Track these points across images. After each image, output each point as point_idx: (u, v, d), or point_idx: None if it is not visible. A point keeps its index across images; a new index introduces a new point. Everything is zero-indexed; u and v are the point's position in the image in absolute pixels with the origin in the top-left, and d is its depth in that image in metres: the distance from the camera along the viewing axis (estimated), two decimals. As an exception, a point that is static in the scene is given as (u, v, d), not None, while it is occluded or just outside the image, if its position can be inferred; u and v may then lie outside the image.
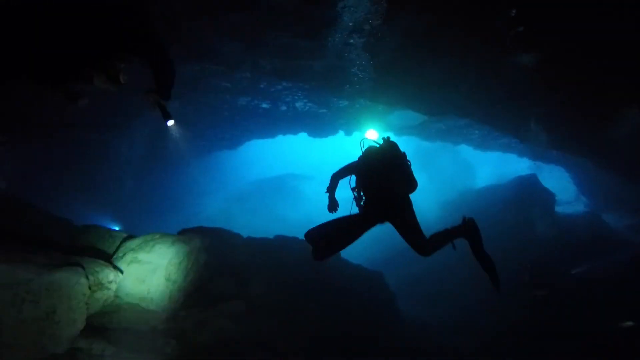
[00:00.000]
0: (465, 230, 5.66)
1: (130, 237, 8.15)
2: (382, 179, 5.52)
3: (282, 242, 11.73)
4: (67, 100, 3.22)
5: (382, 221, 5.57)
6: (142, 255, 7.45)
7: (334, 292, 10.72)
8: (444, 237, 5.59)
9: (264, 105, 20.81)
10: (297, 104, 20.63)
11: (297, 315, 9.11)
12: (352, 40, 13.77)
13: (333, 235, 5.48)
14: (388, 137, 5.90)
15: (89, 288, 6.00)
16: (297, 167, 33.82)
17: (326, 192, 6.07)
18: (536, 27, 12.16)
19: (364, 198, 5.68)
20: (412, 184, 5.77)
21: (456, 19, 12.00)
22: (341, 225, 5.49)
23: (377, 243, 22.86)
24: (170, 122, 3.74)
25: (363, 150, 5.88)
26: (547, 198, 21.69)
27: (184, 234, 9.08)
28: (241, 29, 13.17)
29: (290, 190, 31.17)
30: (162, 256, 7.51)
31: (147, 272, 7.37)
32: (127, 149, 19.74)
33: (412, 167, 6.02)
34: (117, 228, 20.18)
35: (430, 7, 11.59)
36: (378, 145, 5.80)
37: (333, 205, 6.08)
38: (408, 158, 5.84)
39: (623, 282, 14.40)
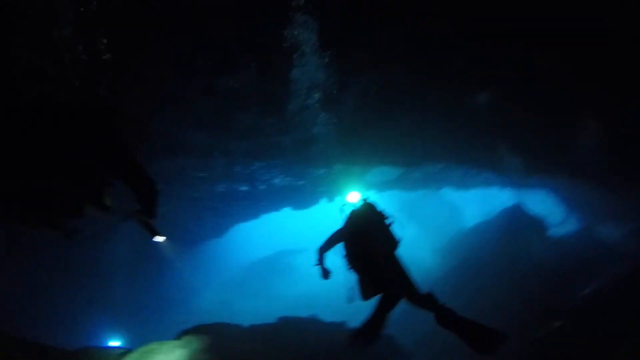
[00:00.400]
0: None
1: (126, 352, 7.78)
2: (369, 244, 5.58)
3: (285, 325, 11.34)
4: (64, 237, 3.18)
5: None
6: (142, 369, 7.10)
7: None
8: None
9: (243, 188, 20.80)
10: (275, 181, 20.69)
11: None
12: (313, 112, 14.09)
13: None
14: (365, 199, 6.12)
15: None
16: (287, 243, 33.59)
17: (317, 265, 6.17)
18: (483, 68, 12.69)
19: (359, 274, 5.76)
20: (394, 242, 5.90)
21: (409, 72, 12.43)
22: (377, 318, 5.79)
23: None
24: (159, 239, 3.76)
25: (345, 215, 6.06)
26: (536, 224, 21.68)
27: (183, 337, 8.72)
28: (205, 116, 13.39)
29: (284, 267, 30.77)
30: (163, 366, 7.17)
31: (148, 386, 6.99)
32: (112, 253, 19.31)
33: (399, 219, 6.29)
34: (116, 340, 19.43)
35: (381, 65, 11.98)
36: (359, 208, 5.88)
37: (325, 274, 6.21)
38: (388, 214, 6.08)
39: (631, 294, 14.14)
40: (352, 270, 5.93)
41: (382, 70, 12.29)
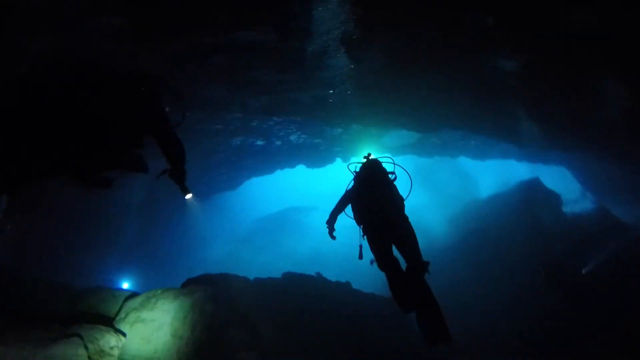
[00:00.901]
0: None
1: (133, 295, 7.85)
2: (376, 203, 5.51)
3: (290, 280, 11.37)
4: (101, 187, 3.38)
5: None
6: (145, 314, 7.13)
7: (350, 325, 10.30)
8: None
9: (259, 143, 20.70)
10: (292, 137, 20.51)
11: (316, 355, 8.70)
12: (334, 68, 13.71)
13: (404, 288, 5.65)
14: (369, 154, 6.10)
15: (89, 358, 5.66)
16: (299, 200, 33.61)
17: (326, 225, 6.18)
18: (506, 30, 12.11)
19: (365, 229, 5.76)
20: (400, 201, 5.82)
21: (431, 32, 11.90)
22: (397, 276, 5.66)
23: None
24: (188, 196, 4.00)
25: (353, 173, 6.08)
26: (552, 199, 21.29)
27: (188, 285, 8.77)
28: (224, 71, 13.09)
29: (294, 224, 30.82)
30: (165, 312, 7.20)
31: (152, 331, 7.04)
32: (126, 198, 19.48)
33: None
34: (126, 283, 19.87)
35: (403, 21, 11.46)
36: (364, 165, 5.95)
37: (331, 234, 6.22)
38: (391, 171, 6.02)
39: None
40: (362, 228, 5.83)
41: (407, 27, 11.74)
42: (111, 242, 19.48)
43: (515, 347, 12.01)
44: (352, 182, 6.15)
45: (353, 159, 21.99)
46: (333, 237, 6.15)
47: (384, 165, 6.01)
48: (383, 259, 5.64)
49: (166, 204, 21.71)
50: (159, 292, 7.56)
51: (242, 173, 23.26)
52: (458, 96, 15.61)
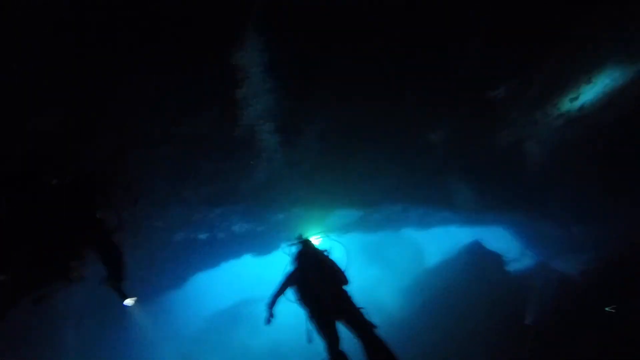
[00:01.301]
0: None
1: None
2: (318, 281, 5.51)
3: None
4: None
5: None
6: None
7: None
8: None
9: (201, 236, 20.09)
10: (234, 228, 20.10)
11: None
12: (270, 155, 13.88)
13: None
14: (300, 235, 6.36)
15: None
16: (249, 292, 32.23)
17: (267, 306, 6.32)
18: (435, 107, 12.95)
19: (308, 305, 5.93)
20: (342, 276, 5.87)
21: (368, 112, 12.45)
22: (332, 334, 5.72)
23: (347, 349, 21.72)
24: (128, 301, 3.82)
25: (291, 256, 6.26)
26: (495, 259, 21.79)
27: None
28: (165, 163, 12.91)
29: (247, 317, 29.25)
30: None
31: None
32: (63, 308, 17.91)
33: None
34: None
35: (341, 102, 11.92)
36: (300, 247, 6.20)
37: (269, 317, 6.36)
38: (325, 248, 6.24)
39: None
40: (304, 307, 6.00)
41: (341, 109, 12.24)
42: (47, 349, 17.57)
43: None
44: (290, 264, 6.22)
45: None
46: (269, 321, 6.23)
47: (315, 244, 6.20)
48: (332, 341, 5.48)
49: (110, 309, 20.23)
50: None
51: (187, 269, 22.31)
52: (394, 171, 16.13)
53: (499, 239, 27.41)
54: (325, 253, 6.25)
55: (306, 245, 6.16)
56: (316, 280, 5.84)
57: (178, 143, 11.94)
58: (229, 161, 13.91)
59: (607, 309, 13.44)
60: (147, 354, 24.25)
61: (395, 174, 16.42)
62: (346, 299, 5.80)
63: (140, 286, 20.85)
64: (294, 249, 6.21)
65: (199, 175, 14.15)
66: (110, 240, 3.64)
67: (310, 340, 5.80)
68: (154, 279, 21.54)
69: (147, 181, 13.62)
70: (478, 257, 21.46)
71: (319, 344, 6.12)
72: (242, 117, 11.55)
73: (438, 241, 32.59)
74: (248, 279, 35.09)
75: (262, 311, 6.30)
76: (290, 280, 6.12)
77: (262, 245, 21.74)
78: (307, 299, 5.94)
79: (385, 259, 30.57)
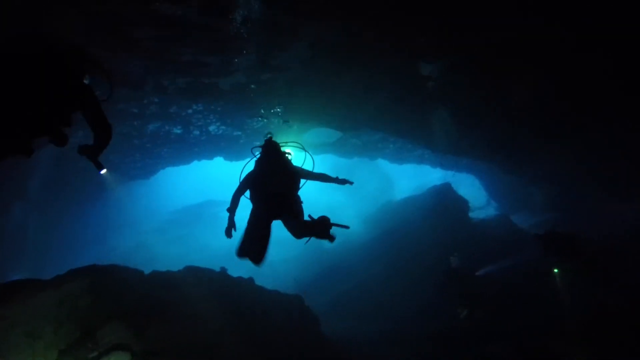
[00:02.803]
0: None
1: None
2: (274, 183, 5.31)
3: (191, 274, 10.05)
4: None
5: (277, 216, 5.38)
6: (-2, 309, 5.66)
7: (251, 324, 9.25)
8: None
9: (176, 131, 19.10)
10: (211, 128, 19.13)
11: (207, 354, 7.53)
12: (256, 55, 12.71)
13: (257, 242, 5.28)
14: (269, 136, 5.66)
15: None
16: (216, 194, 31.60)
17: (227, 211, 5.73)
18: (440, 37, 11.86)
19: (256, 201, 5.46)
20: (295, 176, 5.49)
21: (366, 25, 11.32)
22: (257, 233, 5.28)
23: (304, 262, 21.74)
24: (103, 171, 3.87)
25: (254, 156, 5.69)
26: (461, 205, 21.55)
27: (67, 276, 7.31)
28: (143, 46, 11.74)
29: (210, 218, 28.93)
30: (23, 308, 5.77)
31: (2, 329, 5.59)
32: (20, 182, 17.06)
33: (330, 185, 6.17)
34: (20, 275, 17.45)
35: (337, 15, 10.78)
36: (264, 149, 5.52)
37: (230, 228, 5.67)
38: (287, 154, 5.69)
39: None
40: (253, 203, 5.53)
41: (336, 22, 11.05)
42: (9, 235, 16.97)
43: (420, 349, 11.57)
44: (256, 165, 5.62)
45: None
46: (229, 233, 5.62)
47: (281, 145, 5.62)
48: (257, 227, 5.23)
49: (73, 189, 19.47)
50: (20, 283, 6.11)
51: (158, 162, 21.47)
52: (381, 97, 15.27)
53: (468, 186, 27.27)
54: (289, 156, 5.65)
55: (271, 145, 5.51)
56: (271, 179, 5.31)
57: (161, 26, 10.73)
58: (211, 55, 12.73)
59: (555, 270, 13.29)
60: (106, 238, 23.93)
61: (380, 101, 15.49)
62: (295, 202, 5.34)
63: (110, 171, 20.14)
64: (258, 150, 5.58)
65: (178, 63, 13.02)
66: (100, 108, 3.55)
67: (241, 254, 5.21)
68: (123, 166, 20.75)
69: (123, 64, 12.50)
70: (446, 199, 21.12)
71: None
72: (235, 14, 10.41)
73: (409, 177, 32.36)
74: (217, 181, 34.40)
75: (225, 214, 5.66)
76: (248, 179, 5.49)
77: (236, 149, 20.90)
78: (257, 196, 5.43)
79: (355, 185, 30.13)
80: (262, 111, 16.85)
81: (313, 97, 15.22)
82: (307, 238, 5.29)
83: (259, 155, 5.61)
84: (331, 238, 5.14)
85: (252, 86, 14.67)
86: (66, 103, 3.35)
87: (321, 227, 5.08)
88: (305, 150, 6.05)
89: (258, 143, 5.81)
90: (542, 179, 19.85)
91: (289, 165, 5.51)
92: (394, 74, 14.13)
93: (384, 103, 15.38)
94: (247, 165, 5.86)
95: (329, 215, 5.16)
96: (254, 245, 5.24)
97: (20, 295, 5.80)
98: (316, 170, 5.97)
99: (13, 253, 17.41)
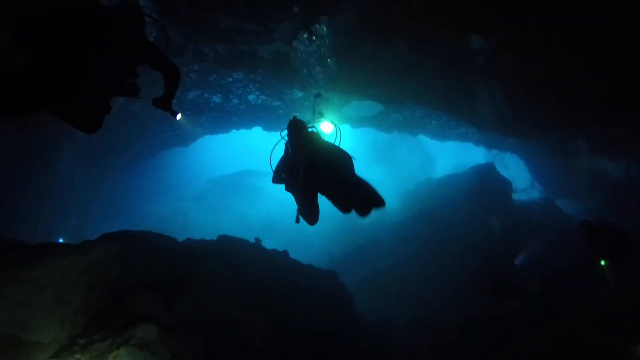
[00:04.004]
0: None
1: (18, 246, 6.13)
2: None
3: (225, 244, 9.81)
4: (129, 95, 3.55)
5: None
6: (24, 272, 5.48)
7: (284, 299, 8.94)
8: None
9: (215, 99, 18.84)
10: (250, 97, 18.74)
11: (236, 332, 7.27)
12: (298, 22, 12.09)
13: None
14: (294, 117, 5.27)
15: None
16: (254, 164, 31.38)
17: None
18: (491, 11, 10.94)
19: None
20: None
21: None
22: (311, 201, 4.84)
23: (336, 240, 21.35)
24: (179, 117, 4.02)
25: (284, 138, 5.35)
26: (503, 186, 20.53)
27: (100, 241, 7.15)
28: (183, 11, 11.37)
29: (248, 188, 28.79)
30: (51, 271, 5.58)
31: (30, 293, 5.43)
32: (66, 152, 17.27)
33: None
34: (61, 240, 17.85)
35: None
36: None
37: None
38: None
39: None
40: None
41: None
42: (47, 187, 17.26)
43: (449, 337, 11.03)
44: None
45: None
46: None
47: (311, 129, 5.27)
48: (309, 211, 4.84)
49: (114, 155, 19.64)
50: (49, 245, 5.93)
51: (196, 129, 21.38)
52: (428, 71, 14.47)
53: (512, 167, 26.05)
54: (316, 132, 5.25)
55: (296, 124, 5.15)
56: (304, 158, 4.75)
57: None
58: (252, 22, 12.24)
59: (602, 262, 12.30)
60: (144, 203, 24.21)
61: (427, 74, 14.64)
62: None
63: (149, 139, 20.19)
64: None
65: (217, 30, 12.61)
66: (163, 55, 3.63)
67: (298, 220, 5.02)
68: (162, 133, 20.76)
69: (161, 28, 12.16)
70: (488, 179, 20.11)
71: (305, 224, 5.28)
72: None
73: (451, 155, 31.18)
74: (255, 151, 34.45)
75: (263, 184, 5.24)
76: (282, 165, 5.29)
77: (275, 120, 20.49)
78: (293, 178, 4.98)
79: (394, 161, 29.35)
80: (300, 75, 16.15)
81: (356, 69, 14.52)
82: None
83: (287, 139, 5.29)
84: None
85: (293, 55, 14.11)
86: (135, 58, 3.46)
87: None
88: (334, 124, 5.77)
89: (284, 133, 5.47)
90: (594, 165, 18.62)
91: (320, 142, 5.05)
92: (442, 47, 13.29)
93: (431, 77, 14.53)
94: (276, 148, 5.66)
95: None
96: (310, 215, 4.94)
97: (48, 259, 5.60)
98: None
99: (59, 208, 17.74)
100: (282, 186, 5.35)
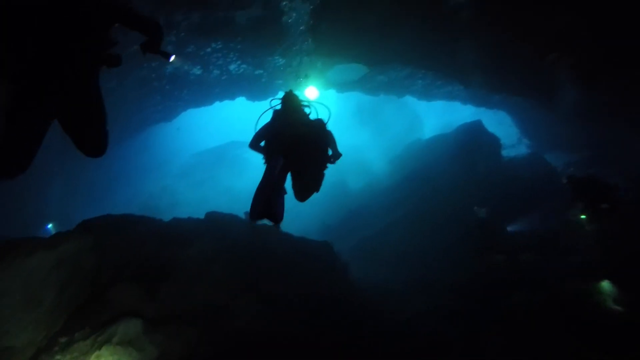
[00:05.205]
0: None
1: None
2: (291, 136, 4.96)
3: (213, 223, 9.22)
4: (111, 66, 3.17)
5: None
6: (-15, 276, 4.87)
7: (276, 276, 8.44)
8: None
9: (195, 71, 17.88)
10: (231, 67, 17.79)
11: (228, 317, 6.76)
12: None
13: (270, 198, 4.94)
14: (290, 90, 5.22)
15: None
16: (239, 135, 30.58)
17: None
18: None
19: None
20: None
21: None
22: (270, 189, 4.93)
23: (327, 208, 20.84)
24: (172, 58, 3.72)
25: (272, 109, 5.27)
26: (492, 143, 20.01)
27: (71, 233, 6.52)
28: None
29: (234, 159, 27.92)
30: (14, 273, 4.97)
31: (-5, 297, 4.85)
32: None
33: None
34: (50, 226, 17.17)
35: None
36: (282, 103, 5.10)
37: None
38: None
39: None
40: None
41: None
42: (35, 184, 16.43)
43: (442, 298, 10.73)
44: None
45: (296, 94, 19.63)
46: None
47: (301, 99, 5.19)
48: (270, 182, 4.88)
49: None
50: (12, 243, 5.31)
51: (178, 104, 20.42)
52: (410, 29, 13.65)
53: (498, 124, 25.49)
54: (307, 110, 5.19)
55: (290, 98, 5.11)
56: (288, 131, 4.99)
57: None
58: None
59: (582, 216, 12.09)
60: (130, 182, 23.36)
61: (410, 31, 13.84)
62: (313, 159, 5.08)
63: (131, 115, 19.22)
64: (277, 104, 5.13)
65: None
66: (134, 13, 3.25)
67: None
68: (144, 110, 19.80)
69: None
70: (476, 136, 19.54)
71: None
72: None
73: (437, 115, 30.43)
74: (240, 122, 33.65)
75: (250, 155, 5.53)
76: (265, 131, 5.23)
77: (258, 89, 19.59)
78: (272, 148, 5.10)
79: (381, 123, 28.49)
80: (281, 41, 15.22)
81: (338, 30, 13.68)
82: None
83: (277, 107, 5.22)
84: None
85: (271, 20, 13.22)
86: (103, 25, 3.18)
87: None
88: (325, 106, 5.51)
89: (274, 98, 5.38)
90: (576, 115, 18.13)
91: (306, 120, 5.17)
92: (425, 3, 12.56)
93: (414, 34, 13.76)
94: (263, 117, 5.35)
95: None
96: (269, 202, 4.88)
97: (10, 258, 4.97)
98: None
99: (43, 195, 16.95)
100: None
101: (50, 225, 17.41)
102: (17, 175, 2.86)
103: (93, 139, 3.20)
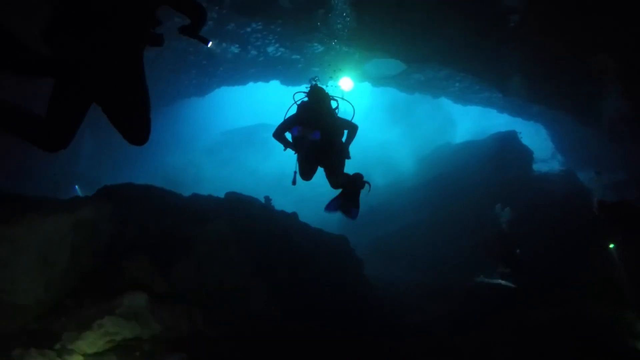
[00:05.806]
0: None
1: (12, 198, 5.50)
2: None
3: (232, 204, 9.13)
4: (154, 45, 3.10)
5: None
6: (4, 230, 4.87)
7: (290, 265, 8.31)
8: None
9: (233, 50, 17.78)
10: (269, 49, 17.65)
11: (237, 300, 6.68)
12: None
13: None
14: (315, 83, 5.31)
15: None
16: (269, 117, 30.54)
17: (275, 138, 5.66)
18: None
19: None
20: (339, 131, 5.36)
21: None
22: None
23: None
24: (210, 44, 3.68)
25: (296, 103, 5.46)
26: (525, 155, 19.43)
27: (91, 199, 6.51)
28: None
29: (262, 142, 27.80)
30: (33, 230, 4.97)
31: (11, 253, 4.85)
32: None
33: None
34: (77, 187, 17.40)
35: None
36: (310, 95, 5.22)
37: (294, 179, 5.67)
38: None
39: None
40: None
41: None
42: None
43: (458, 306, 10.45)
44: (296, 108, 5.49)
45: (330, 83, 19.35)
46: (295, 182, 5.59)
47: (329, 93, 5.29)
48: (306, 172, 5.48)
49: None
50: (31, 202, 5.30)
51: (213, 80, 20.41)
52: (455, 29, 13.27)
53: (532, 136, 24.70)
54: (334, 104, 5.34)
55: (318, 92, 5.17)
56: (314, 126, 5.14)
57: None
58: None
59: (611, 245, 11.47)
60: (158, 153, 23.49)
61: (454, 32, 13.44)
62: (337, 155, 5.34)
63: (165, 87, 19.30)
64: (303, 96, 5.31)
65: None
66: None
67: (295, 182, 5.47)
68: (178, 82, 19.85)
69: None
70: (509, 147, 18.98)
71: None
72: None
73: (471, 120, 29.71)
74: (271, 105, 33.61)
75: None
76: (290, 122, 5.38)
77: (293, 74, 19.45)
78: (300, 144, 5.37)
79: (413, 122, 28.03)
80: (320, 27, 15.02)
81: (380, 23, 13.34)
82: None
83: (304, 99, 5.34)
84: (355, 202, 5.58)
85: (315, 6, 12.99)
86: (156, 4, 3.14)
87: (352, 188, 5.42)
88: (349, 103, 5.67)
89: (305, 87, 5.49)
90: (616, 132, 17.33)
91: (332, 114, 5.31)
92: (472, 6, 12.18)
93: (459, 34, 13.34)
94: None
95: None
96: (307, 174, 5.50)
97: (29, 217, 4.96)
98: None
99: (73, 156, 17.18)
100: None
101: (77, 187, 17.64)
102: (60, 149, 2.85)
103: (138, 127, 3.14)
